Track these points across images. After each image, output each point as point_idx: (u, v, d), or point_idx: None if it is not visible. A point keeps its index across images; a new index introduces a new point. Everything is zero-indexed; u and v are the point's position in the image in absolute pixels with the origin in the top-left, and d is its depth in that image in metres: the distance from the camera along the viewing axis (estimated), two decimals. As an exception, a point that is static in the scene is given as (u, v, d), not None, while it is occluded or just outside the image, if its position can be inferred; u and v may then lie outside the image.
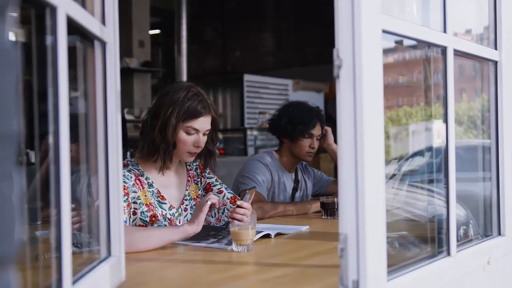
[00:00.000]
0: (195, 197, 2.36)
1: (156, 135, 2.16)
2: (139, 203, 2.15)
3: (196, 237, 2.04)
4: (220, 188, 2.39)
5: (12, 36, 0.60)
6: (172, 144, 2.18)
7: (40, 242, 1.52)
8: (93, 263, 1.28)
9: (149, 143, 2.20)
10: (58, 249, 1.00)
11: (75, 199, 1.14)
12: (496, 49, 1.80)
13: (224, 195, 2.35)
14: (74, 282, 1.08)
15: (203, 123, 2.20)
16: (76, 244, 1.37)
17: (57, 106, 1.00)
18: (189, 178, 2.37)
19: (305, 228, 2.35)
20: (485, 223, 1.86)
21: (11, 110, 0.58)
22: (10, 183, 0.57)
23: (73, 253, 1.06)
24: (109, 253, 1.36)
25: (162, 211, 2.20)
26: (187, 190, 2.34)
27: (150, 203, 2.18)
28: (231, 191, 2.40)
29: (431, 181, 1.95)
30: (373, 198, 1.17)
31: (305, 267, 1.68)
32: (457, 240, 1.54)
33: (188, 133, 2.18)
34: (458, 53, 1.57)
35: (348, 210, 1.16)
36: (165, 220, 2.21)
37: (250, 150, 7.35)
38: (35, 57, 1.07)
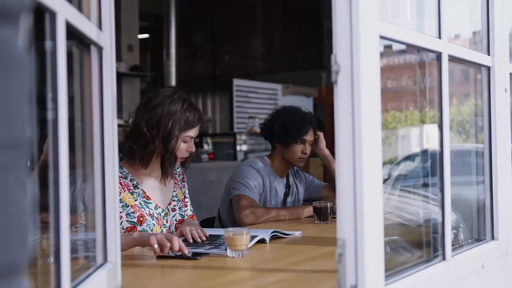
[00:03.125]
0: (181, 199, 2.45)
1: (158, 147, 2.22)
2: (122, 206, 2.19)
3: (192, 245, 2.03)
4: (187, 202, 2.51)
5: (25, 43, 0.60)
6: (175, 156, 2.26)
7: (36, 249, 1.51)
8: (90, 270, 1.27)
9: (149, 153, 2.24)
10: (57, 255, 0.99)
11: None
12: (488, 54, 1.82)
13: (186, 211, 2.47)
14: (72, 288, 1.08)
15: (197, 130, 2.33)
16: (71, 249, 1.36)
17: (57, 111, 0.99)
18: (175, 181, 2.45)
19: (298, 233, 2.35)
20: (479, 228, 1.87)
21: (25, 117, 0.58)
22: (23, 190, 0.57)
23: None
24: (105, 259, 1.35)
25: (149, 211, 2.25)
26: (174, 191, 2.42)
27: (135, 204, 2.23)
28: (192, 209, 2.52)
29: (422, 186, 1.96)
30: (371, 203, 1.17)
31: (300, 272, 1.68)
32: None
33: (185, 142, 2.29)
34: (452, 59, 1.58)
35: (346, 215, 1.16)
36: (153, 219, 2.26)
37: (240, 155, 7.34)
38: (32, 62, 1.06)
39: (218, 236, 2.18)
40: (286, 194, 3.13)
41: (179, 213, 2.40)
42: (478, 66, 1.83)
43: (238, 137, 7.48)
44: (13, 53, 0.57)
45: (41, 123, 1.02)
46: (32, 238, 0.60)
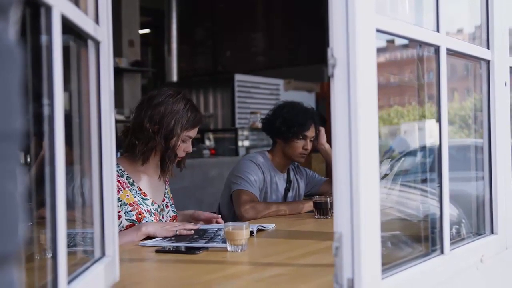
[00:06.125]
0: (171, 197, 2.50)
1: (159, 143, 2.26)
2: (121, 205, 2.21)
3: (183, 239, 2.04)
4: (171, 202, 2.51)
5: (15, 35, 0.60)
6: (175, 153, 2.30)
7: (33, 243, 1.51)
8: (88, 263, 1.27)
9: (150, 149, 2.28)
10: (54, 249, 0.99)
11: (67, 199, 1.14)
12: (488, 48, 1.81)
13: (168, 212, 2.45)
14: (69, 282, 1.08)
15: (196, 131, 2.38)
16: (69, 244, 1.36)
17: (52, 107, 0.99)
18: (166, 180, 2.49)
19: (272, 226, 2.37)
20: (478, 222, 1.87)
21: (15, 109, 0.58)
22: (14, 181, 0.58)
23: (67, 253, 1.06)
24: (103, 253, 1.35)
25: (147, 207, 2.29)
26: (166, 188, 2.47)
27: (134, 202, 2.26)
28: (175, 210, 2.51)
29: (423, 181, 1.96)
30: (367, 197, 1.17)
31: (299, 266, 1.68)
32: (450, 239, 1.55)
33: (184, 141, 2.32)
34: (450, 52, 1.58)
35: (343, 209, 1.17)
36: (150, 216, 2.29)
37: (241, 151, 7.35)
38: (28, 57, 1.06)
39: (205, 231, 2.19)
40: (287, 189, 3.14)
41: (171, 210, 2.46)
42: (477, 60, 1.83)
43: (239, 132, 7.48)
44: (2, 46, 0.57)
45: (41, 119, 1.02)
46: (23, 229, 0.60)
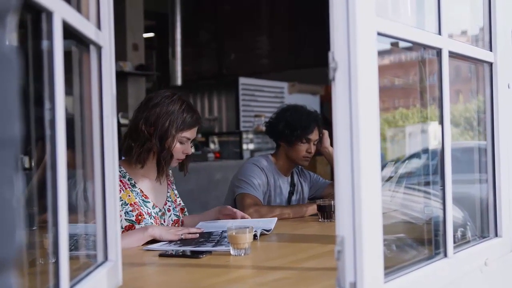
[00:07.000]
0: (174, 200, 2.49)
1: (155, 144, 2.26)
2: (122, 204, 2.22)
3: (189, 243, 2.03)
4: (179, 199, 2.54)
5: (12, 42, 0.61)
6: (171, 154, 2.29)
7: (37, 248, 1.51)
8: (90, 268, 1.27)
9: (146, 151, 2.28)
10: (56, 254, 0.99)
11: (70, 204, 1.14)
12: (491, 50, 1.81)
13: (170, 216, 2.44)
14: (72, 286, 1.08)
15: (195, 132, 2.36)
16: (71, 247, 1.36)
17: (54, 111, 0.99)
18: (169, 183, 2.49)
19: (274, 221, 2.39)
20: (482, 225, 1.86)
21: (13, 115, 0.58)
22: (11, 187, 0.58)
23: (70, 258, 1.06)
24: (106, 258, 1.36)
25: (147, 210, 2.30)
26: (168, 192, 2.46)
27: (134, 203, 2.27)
28: (178, 214, 2.51)
29: (427, 183, 1.95)
30: (369, 200, 1.17)
31: (302, 270, 1.68)
32: (454, 242, 1.54)
33: (181, 143, 2.32)
34: (453, 55, 1.57)
35: (345, 212, 1.16)
36: (150, 218, 2.29)
37: (246, 154, 7.35)
38: (30, 62, 1.07)
39: (210, 234, 2.19)
40: (291, 193, 3.13)
41: (173, 214, 2.45)
42: (480, 62, 1.83)
43: (244, 135, 7.49)
44: (0, 52, 0.57)
45: (44, 123, 1.02)
46: (21, 235, 0.60)
